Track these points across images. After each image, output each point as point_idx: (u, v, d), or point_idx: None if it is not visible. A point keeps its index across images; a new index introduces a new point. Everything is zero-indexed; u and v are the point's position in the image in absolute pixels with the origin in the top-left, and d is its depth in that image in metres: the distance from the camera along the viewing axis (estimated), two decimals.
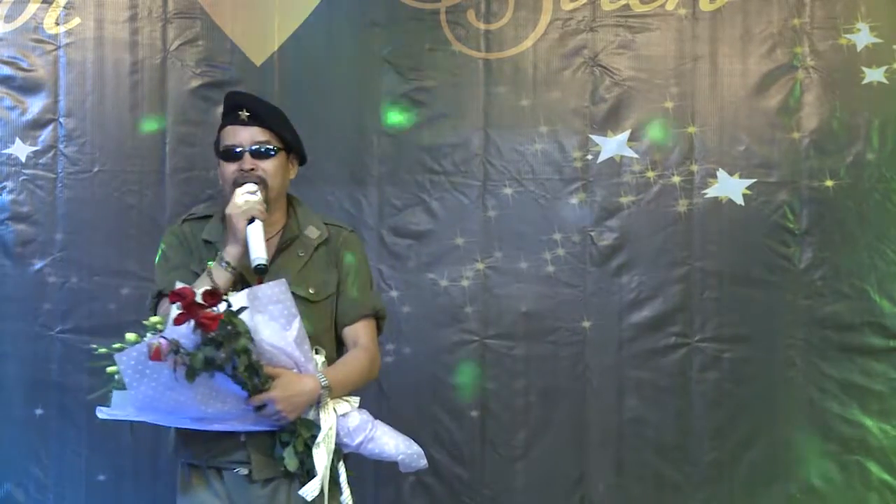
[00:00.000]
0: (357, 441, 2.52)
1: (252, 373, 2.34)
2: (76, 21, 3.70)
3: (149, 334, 2.32)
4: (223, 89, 3.63)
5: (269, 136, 2.64)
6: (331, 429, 2.47)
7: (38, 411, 3.66)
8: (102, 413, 2.43)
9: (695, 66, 3.63)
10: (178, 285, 2.31)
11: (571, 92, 3.65)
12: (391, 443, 2.54)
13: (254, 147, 2.61)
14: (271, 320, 2.38)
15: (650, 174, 3.63)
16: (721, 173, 3.61)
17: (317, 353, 2.55)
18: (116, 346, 2.36)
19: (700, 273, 3.61)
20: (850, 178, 3.59)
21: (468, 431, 3.64)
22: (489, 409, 3.64)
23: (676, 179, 3.62)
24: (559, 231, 3.64)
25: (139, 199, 3.68)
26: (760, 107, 3.62)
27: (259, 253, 2.48)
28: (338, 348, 2.67)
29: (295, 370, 2.45)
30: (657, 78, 3.64)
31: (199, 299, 2.23)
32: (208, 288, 2.29)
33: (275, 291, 2.39)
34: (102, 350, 2.38)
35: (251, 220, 2.50)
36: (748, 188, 3.61)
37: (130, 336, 2.36)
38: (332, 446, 2.48)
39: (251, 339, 2.31)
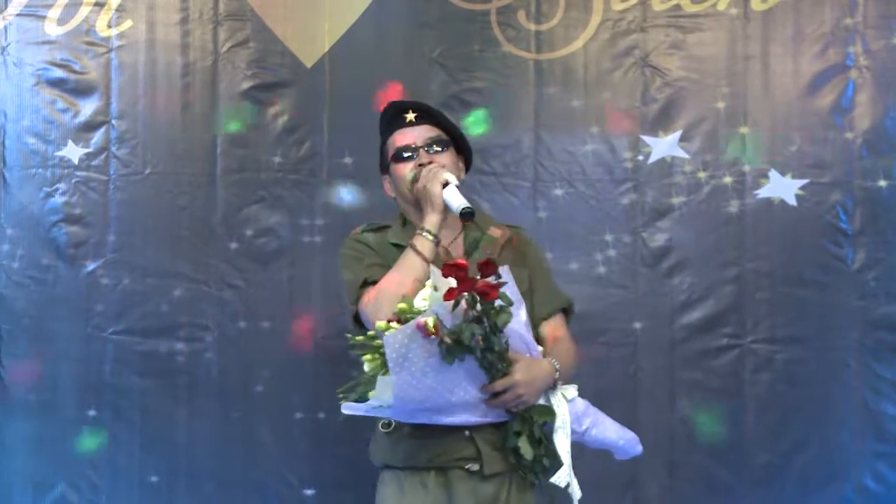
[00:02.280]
0: (585, 426, 2.50)
1: (498, 356, 2.32)
2: (128, 24, 3.72)
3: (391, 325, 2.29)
4: (274, 91, 3.69)
5: (439, 131, 2.68)
6: (565, 413, 2.46)
7: (91, 412, 3.68)
8: (348, 410, 2.37)
9: (746, 66, 3.61)
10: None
11: (622, 92, 3.64)
12: (612, 428, 2.54)
13: (427, 144, 2.65)
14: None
15: (701, 175, 3.62)
16: (773, 174, 3.59)
17: None
18: (371, 332, 2.34)
19: (752, 274, 3.59)
20: None
21: None
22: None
23: (728, 180, 3.61)
24: (610, 232, 3.63)
25: (191, 201, 3.69)
26: (813, 107, 3.59)
27: (461, 201, 2.50)
28: None
29: (528, 354, 2.43)
30: (708, 78, 3.62)
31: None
32: (480, 260, 2.28)
33: (505, 274, 2.34)
34: (359, 338, 2.35)
35: (445, 185, 2.52)
36: (801, 188, 3.58)
37: (381, 324, 2.31)
38: (569, 431, 2.46)
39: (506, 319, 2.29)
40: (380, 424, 2.55)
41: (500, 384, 2.36)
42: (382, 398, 2.32)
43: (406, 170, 2.64)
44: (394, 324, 2.30)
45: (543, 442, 2.46)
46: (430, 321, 2.20)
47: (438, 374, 2.26)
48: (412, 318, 2.27)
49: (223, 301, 3.67)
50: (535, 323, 2.61)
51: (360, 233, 2.73)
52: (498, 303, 2.28)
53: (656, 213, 3.62)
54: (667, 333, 3.62)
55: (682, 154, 3.62)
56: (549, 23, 3.66)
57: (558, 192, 3.65)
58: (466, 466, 2.48)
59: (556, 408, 2.46)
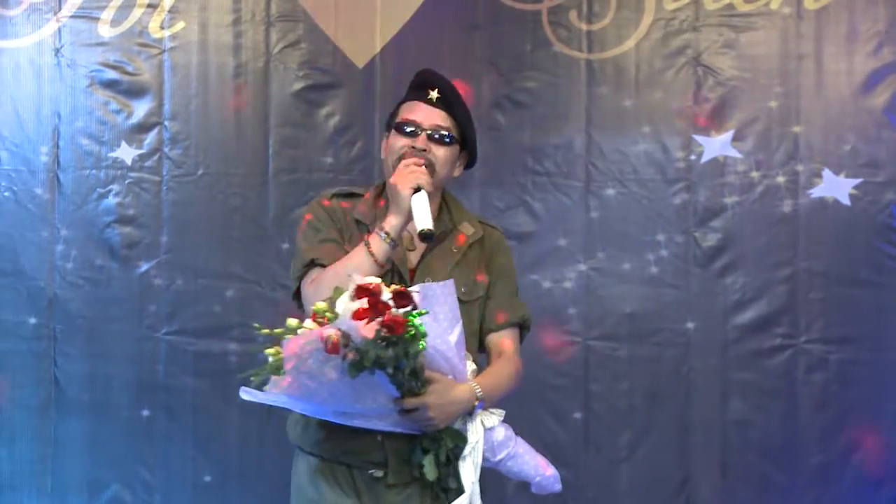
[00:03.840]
0: (500, 457, 2.39)
1: (413, 376, 2.23)
2: (181, 25, 3.73)
3: (304, 323, 2.21)
4: (326, 92, 3.69)
5: (451, 124, 2.52)
6: (478, 442, 2.35)
7: (145, 413, 3.70)
8: (247, 395, 2.27)
9: (799, 64, 3.60)
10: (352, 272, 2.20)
11: (674, 92, 3.63)
12: (531, 462, 2.41)
13: (432, 130, 2.51)
14: (434, 322, 2.25)
15: (754, 174, 3.60)
16: (827, 173, 3.58)
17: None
18: (279, 330, 2.24)
19: (805, 274, 3.58)
20: None
21: (571, 433, 3.63)
22: (593, 410, 3.63)
23: (781, 179, 3.59)
24: (662, 232, 3.62)
25: (243, 202, 3.70)
26: (866, 105, 3.58)
27: (425, 220, 2.35)
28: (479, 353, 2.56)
29: (450, 376, 2.33)
30: (761, 77, 3.61)
31: (386, 298, 2.12)
32: (398, 288, 2.16)
33: (443, 292, 2.27)
34: (265, 331, 2.27)
35: (416, 190, 2.38)
36: (854, 188, 3.57)
37: (291, 322, 2.24)
38: (479, 460, 2.36)
39: (422, 342, 2.19)
40: None
41: (409, 402, 2.25)
42: (274, 393, 2.22)
43: (399, 144, 2.49)
44: (307, 322, 2.22)
45: (452, 464, 2.35)
46: (333, 335, 2.09)
47: (342, 382, 2.17)
48: (326, 322, 2.18)
49: (275, 301, 3.68)
50: (483, 333, 2.54)
51: (330, 197, 2.58)
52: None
53: (709, 213, 3.61)
54: (719, 334, 3.61)
55: (734, 153, 3.61)
56: (600, 22, 3.65)
57: (610, 192, 3.64)
58: (371, 471, 2.40)
59: (469, 434, 2.35)
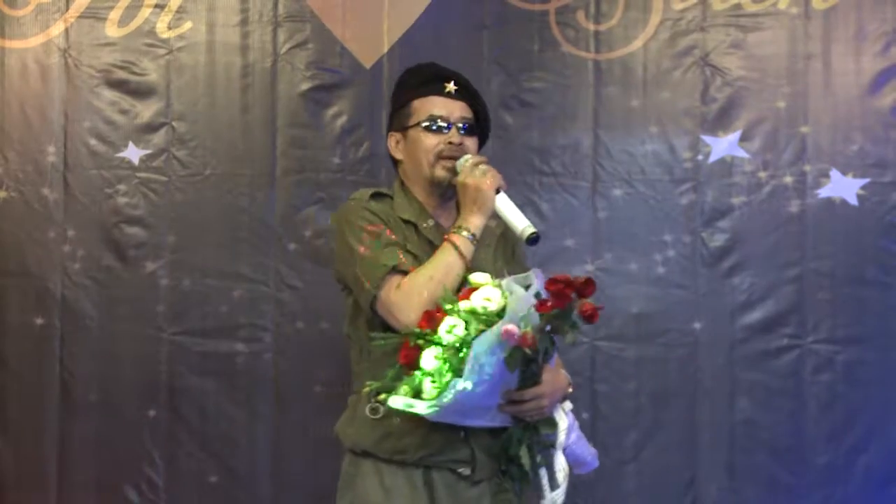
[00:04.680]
0: (571, 440, 2.43)
1: (539, 366, 2.27)
2: (188, 25, 3.73)
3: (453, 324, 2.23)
4: (333, 92, 3.69)
5: (472, 114, 2.57)
6: (565, 427, 2.40)
7: (152, 413, 3.69)
8: (396, 404, 2.24)
9: (807, 65, 3.60)
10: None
11: (682, 92, 3.63)
12: (585, 443, 2.47)
13: (461, 123, 2.53)
14: None
15: (762, 174, 3.60)
16: (834, 173, 3.57)
17: None
18: (448, 327, 2.23)
19: (813, 274, 3.58)
20: None
21: None
22: (600, 410, 3.63)
23: (789, 180, 3.59)
24: (670, 232, 3.62)
25: (250, 202, 3.70)
26: (874, 106, 3.57)
27: (525, 221, 2.40)
28: None
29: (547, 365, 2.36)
30: (769, 77, 3.60)
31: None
32: (582, 277, 2.24)
33: (540, 284, 2.27)
34: (416, 332, 2.26)
35: (497, 191, 2.42)
36: (862, 188, 3.56)
37: (449, 322, 2.24)
38: (563, 445, 2.40)
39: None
40: (367, 409, 2.42)
41: (529, 393, 2.29)
42: (441, 397, 2.22)
43: (432, 143, 2.50)
44: (452, 320, 2.24)
45: (536, 453, 2.40)
46: (529, 331, 2.15)
47: (490, 381, 2.21)
48: (486, 321, 2.21)
49: (282, 302, 3.68)
50: None
51: (366, 199, 2.53)
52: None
53: (716, 213, 3.61)
54: (727, 334, 3.60)
55: (742, 154, 3.61)
56: (608, 23, 3.65)
57: (617, 192, 3.64)
58: (458, 469, 2.41)
59: (558, 419, 2.40)
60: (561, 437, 2.39)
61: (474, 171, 2.44)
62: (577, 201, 3.64)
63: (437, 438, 2.38)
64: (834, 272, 3.57)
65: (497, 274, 2.36)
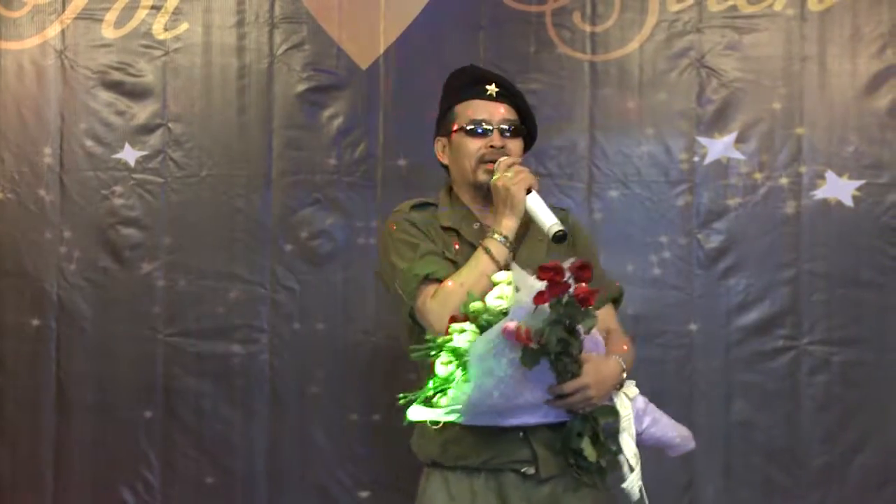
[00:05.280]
0: (644, 425, 2.42)
1: (572, 358, 2.23)
2: (184, 26, 3.73)
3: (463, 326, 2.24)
4: (329, 93, 3.70)
5: (516, 114, 2.57)
6: (629, 413, 2.38)
7: (147, 414, 3.69)
8: (416, 414, 2.27)
9: (803, 66, 3.59)
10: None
11: (678, 94, 3.62)
12: (669, 424, 2.46)
13: (504, 125, 2.53)
14: None
15: (757, 176, 3.60)
16: (830, 175, 3.57)
17: None
18: (456, 330, 2.24)
19: (808, 275, 3.57)
20: None
21: None
22: None
23: (784, 181, 3.59)
24: (665, 234, 3.62)
25: (246, 203, 3.69)
26: (870, 107, 3.57)
27: (553, 220, 2.39)
28: None
29: (595, 352, 2.34)
30: (765, 79, 3.60)
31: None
32: (574, 260, 2.19)
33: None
34: (440, 340, 2.27)
35: (528, 191, 2.42)
36: (857, 189, 3.56)
37: (455, 327, 2.25)
38: (633, 431, 2.38)
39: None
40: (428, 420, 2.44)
41: (570, 386, 2.25)
42: (455, 403, 2.25)
43: (475, 147, 2.52)
44: (465, 325, 2.25)
45: (604, 443, 2.37)
46: (522, 327, 2.13)
47: (512, 378, 2.21)
48: (490, 320, 2.22)
49: (278, 303, 3.68)
50: None
51: (408, 210, 2.58)
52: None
53: (712, 215, 3.61)
54: (722, 335, 3.60)
55: (738, 155, 3.61)
56: (604, 24, 3.65)
57: (613, 193, 3.64)
58: (522, 469, 2.40)
59: (619, 408, 2.38)
60: (624, 423, 2.37)
61: (506, 172, 2.45)
62: (572, 202, 3.63)
63: (497, 441, 2.38)
64: (830, 273, 3.57)
65: None
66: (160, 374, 3.69)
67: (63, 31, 3.75)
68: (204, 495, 3.68)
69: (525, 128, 2.60)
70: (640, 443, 2.47)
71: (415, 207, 2.59)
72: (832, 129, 3.58)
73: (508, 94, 2.58)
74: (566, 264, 2.19)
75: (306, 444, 3.66)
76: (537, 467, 2.40)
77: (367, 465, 3.65)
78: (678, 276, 3.62)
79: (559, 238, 2.39)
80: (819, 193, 3.58)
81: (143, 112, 3.73)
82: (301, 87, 3.70)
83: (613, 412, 2.37)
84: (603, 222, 3.63)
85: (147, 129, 3.73)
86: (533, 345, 2.15)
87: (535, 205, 2.44)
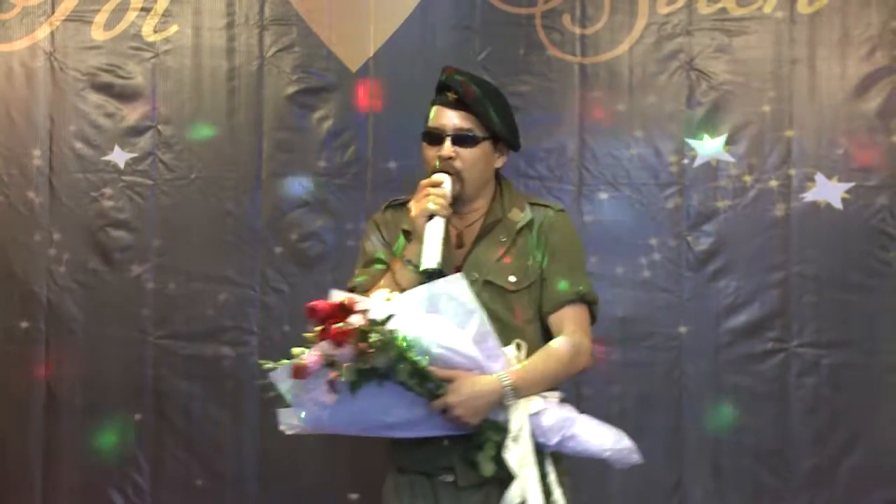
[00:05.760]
0: (555, 441, 2.40)
1: (420, 379, 2.24)
2: (174, 28, 3.73)
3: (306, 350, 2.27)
4: (319, 95, 3.70)
5: (473, 123, 2.52)
6: (520, 429, 2.34)
7: (137, 416, 3.69)
8: (290, 428, 2.37)
9: (792, 69, 3.60)
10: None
11: (667, 96, 3.63)
12: (595, 440, 2.43)
13: (455, 133, 2.51)
14: (444, 320, 2.28)
15: (747, 178, 3.60)
16: (819, 177, 3.58)
17: (517, 347, 2.42)
18: (269, 366, 2.34)
19: (798, 278, 3.58)
20: None
21: None
22: (585, 414, 3.61)
23: (774, 183, 3.59)
24: (655, 236, 3.62)
25: (236, 206, 3.70)
26: (859, 110, 3.57)
27: (430, 255, 2.35)
28: (546, 340, 2.53)
29: (476, 371, 2.32)
30: (754, 81, 3.60)
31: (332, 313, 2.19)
32: (343, 300, 2.21)
33: (450, 288, 2.28)
34: (268, 366, 2.35)
35: (431, 217, 2.39)
36: (847, 192, 3.57)
37: (296, 350, 2.30)
38: (529, 447, 2.35)
39: (408, 346, 2.21)
40: None
41: (434, 405, 2.29)
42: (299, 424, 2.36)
43: (430, 155, 2.52)
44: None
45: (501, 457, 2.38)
46: (301, 362, 2.20)
47: (356, 400, 2.22)
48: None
49: (268, 305, 3.68)
50: (542, 316, 2.53)
51: (382, 211, 2.64)
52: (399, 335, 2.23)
53: (701, 217, 3.61)
54: (712, 337, 3.60)
55: (727, 158, 3.61)
56: (594, 26, 3.65)
57: (603, 196, 3.64)
58: (441, 476, 2.46)
59: (511, 423, 2.34)
60: (510, 438, 2.34)
61: (420, 195, 2.45)
62: (562, 205, 3.61)
63: (422, 447, 2.43)
64: (819, 276, 3.57)
65: (500, 271, 2.45)
66: (150, 377, 3.70)
67: (52, 33, 3.75)
68: (193, 498, 3.69)
69: (488, 136, 2.55)
70: (565, 454, 2.47)
71: (390, 206, 2.63)
72: (821, 131, 3.58)
73: (466, 102, 2.53)
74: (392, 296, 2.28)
75: (296, 446, 3.64)
76: (456, 476, 2.44)
77: (356, 467, 3.64)
78: (668, 278, 3.62)
79: (429, 275, 2.36)
80: (808, 196, 3.58)
81: (132, 114, 3.73)
82: (291, 90, 3.70)
83: (499, 428, 2.36)
84: (592, 225, 3.63)
85: (136, 131, 3.73)
86: (316, 377, 2.21)
87: (430, 234, 2.39)
